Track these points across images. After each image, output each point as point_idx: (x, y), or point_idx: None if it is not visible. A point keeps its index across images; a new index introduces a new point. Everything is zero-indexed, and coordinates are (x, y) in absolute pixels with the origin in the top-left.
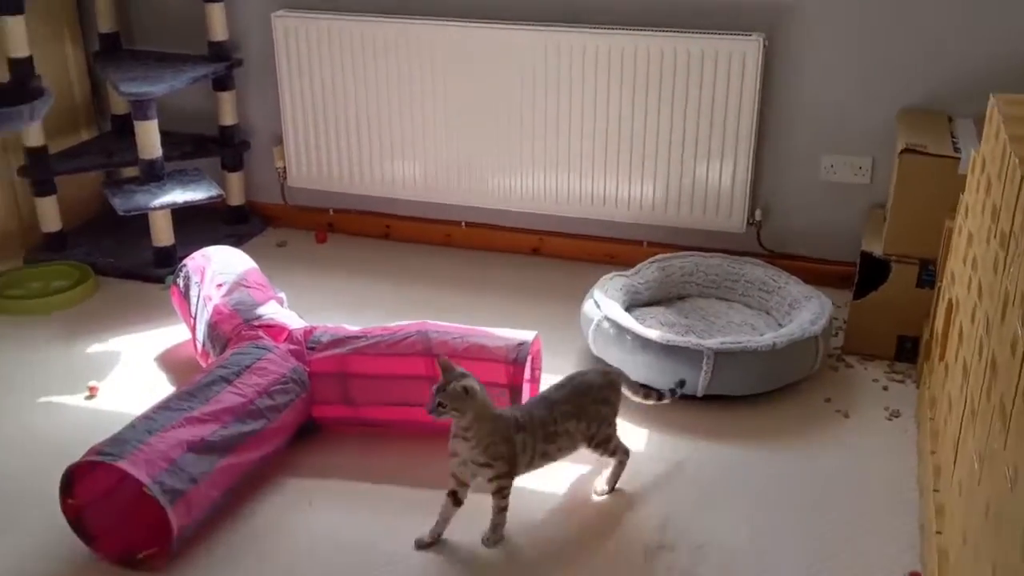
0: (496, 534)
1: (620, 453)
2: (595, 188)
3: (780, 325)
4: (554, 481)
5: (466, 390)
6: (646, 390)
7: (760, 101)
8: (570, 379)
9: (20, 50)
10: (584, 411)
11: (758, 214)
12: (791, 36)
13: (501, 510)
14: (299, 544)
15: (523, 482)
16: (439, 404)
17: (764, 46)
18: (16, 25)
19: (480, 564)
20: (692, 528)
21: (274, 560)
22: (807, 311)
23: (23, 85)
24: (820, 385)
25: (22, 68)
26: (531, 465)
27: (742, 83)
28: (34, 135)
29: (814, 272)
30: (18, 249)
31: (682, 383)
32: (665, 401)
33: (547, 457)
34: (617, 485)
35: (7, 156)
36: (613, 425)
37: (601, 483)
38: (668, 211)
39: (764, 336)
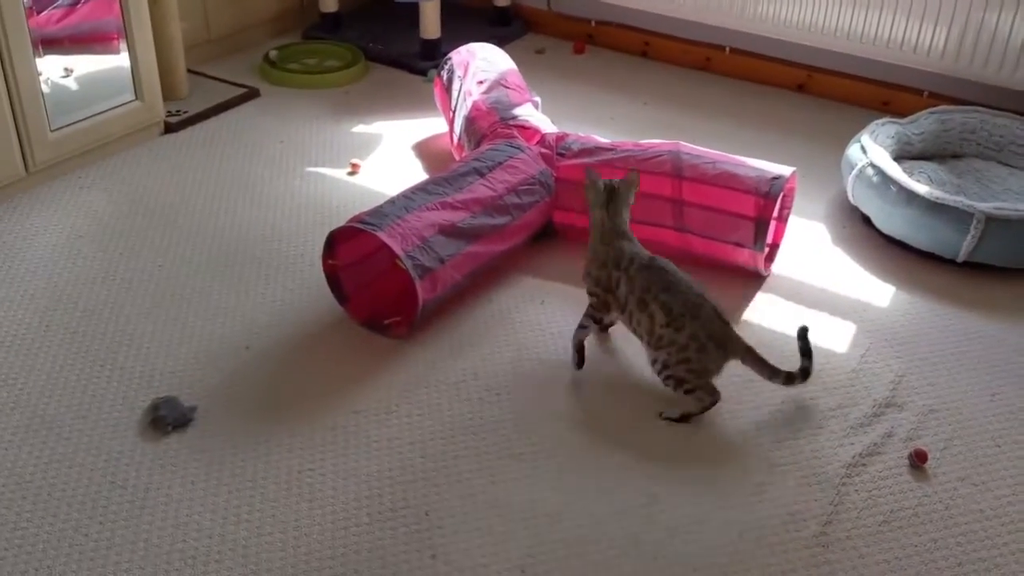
0: (572, 342)
1: (695, 396)
2: (877, 25)
3: None
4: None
5: (612, 190)
6: (772, 370)
7: None
8: (704, 299)
9: None
10: (680, 329)
11: None
12: None
13: (579, 327)
14: (529, 337)
15: None
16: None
17: None
18: None
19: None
20: (925, 391)
21: (505, 349)
22: None
23: None
24: None
25: None
26: (623, 312)
27: None
28: None
29: None
30: (297, 25)
31: (805, 372)
32: (778, 381)
33: (631, 319)
34: (857, 336)
35: None
36: (690, 378)
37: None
38: (959, 60)
39: None
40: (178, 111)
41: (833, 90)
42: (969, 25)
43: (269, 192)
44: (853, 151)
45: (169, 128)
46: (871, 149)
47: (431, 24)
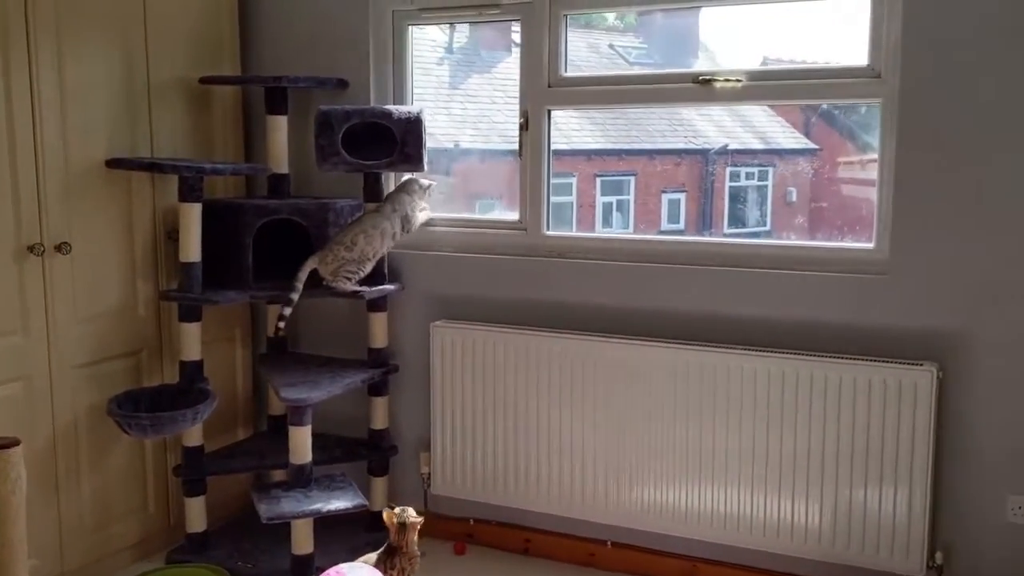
0: None
1: None
2: (754, 513)
3: None
4: None
5: None
6: None
7: (935, 433)
8: None
9: (192, 354)
10: None
11: (939, 557)
12: (969, 366)
13: None
14: None
15: None
16: None
17: (938, 377)
18: (192, 331)
19: None
20: None
21: None
22: None
23: (190, 387)
24: None
25: (192, 371)
26: None
27: (914, 413)
28: (194, 435)
29: None
30: (161, 548)
31: None
32: None
33: None
34: None
35: (165, 454)
36: None
37: None
38: (836, 546)
39: None
40: None
41: None
42: (839, 507)
43: None
44: None
45: None
46: None
47: (302, 540)
